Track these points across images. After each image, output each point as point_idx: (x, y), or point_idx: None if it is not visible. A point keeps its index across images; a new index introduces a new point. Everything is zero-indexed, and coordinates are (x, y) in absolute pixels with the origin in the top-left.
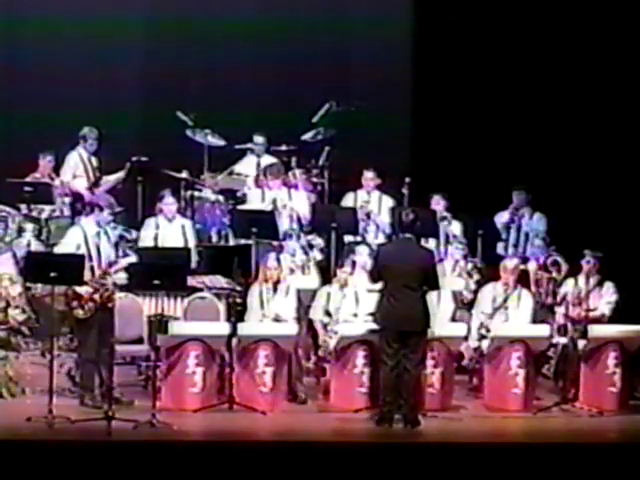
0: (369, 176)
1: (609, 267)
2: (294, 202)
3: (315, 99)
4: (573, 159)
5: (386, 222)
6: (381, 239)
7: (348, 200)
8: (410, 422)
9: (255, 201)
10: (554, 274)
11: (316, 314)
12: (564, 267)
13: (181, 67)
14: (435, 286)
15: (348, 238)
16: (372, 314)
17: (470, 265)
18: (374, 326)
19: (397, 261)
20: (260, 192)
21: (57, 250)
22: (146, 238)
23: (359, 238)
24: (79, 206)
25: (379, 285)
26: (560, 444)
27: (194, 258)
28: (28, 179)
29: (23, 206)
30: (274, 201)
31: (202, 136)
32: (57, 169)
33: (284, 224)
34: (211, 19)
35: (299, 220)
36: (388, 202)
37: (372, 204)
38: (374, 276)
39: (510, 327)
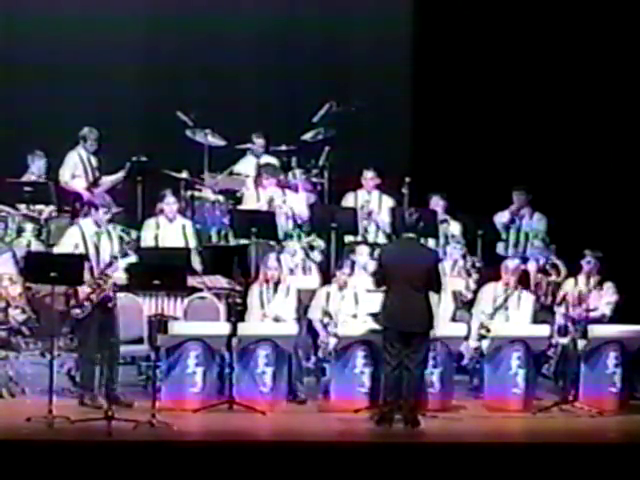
0: (369, 176)
1: (609, 267)
2: (289, 201)
3: (315, 99)
4: (573, 159)
5: (387, 222)
6: (381, 239)
7: (348, 200)
8: (410, 422)
9: (250, 201)
10: (553, 277)
11: (314, 314)
12: (563, 271)
13: (181, 67)
14: (437, 289)
15: (348, 238)
16: (375, 314)
17: (469, 264)
18: (374, 326)
19: (401, 261)
20: (255, 192)
21: (56, 250)
22: (146, 238)
23: (359, 238)
24: (78, 206)
25: (382, 286)
26: (560, 444)
27: (197, 260)
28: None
29: (22, 206)
30: (270, 201)
31: (202, 136)
32: (49, 170)
33: (281, 223)
34: (211, 19)
35: (294, 219)
36: (388, 202)
37: (372, 204)
38: (379, 280)
39: (510, 327)
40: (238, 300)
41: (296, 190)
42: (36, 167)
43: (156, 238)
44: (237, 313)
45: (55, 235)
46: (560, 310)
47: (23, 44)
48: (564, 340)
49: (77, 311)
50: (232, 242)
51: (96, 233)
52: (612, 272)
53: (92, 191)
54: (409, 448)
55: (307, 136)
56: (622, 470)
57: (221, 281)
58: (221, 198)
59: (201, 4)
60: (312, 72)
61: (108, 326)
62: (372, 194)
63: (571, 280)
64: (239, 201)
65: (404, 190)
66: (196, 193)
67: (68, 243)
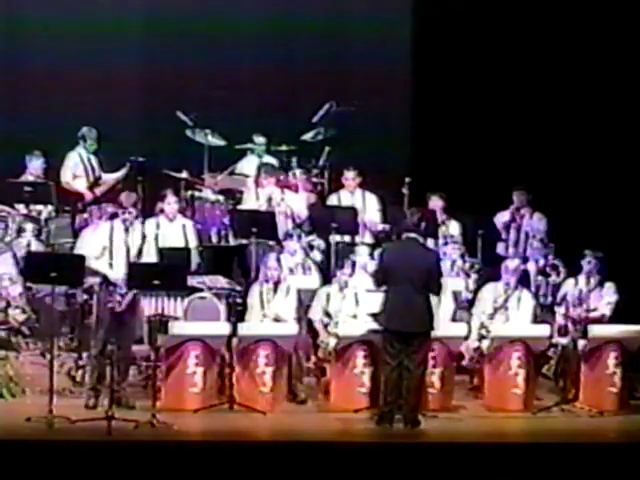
0: (350, 176)
1: (609, 267)
2: (288, 201)
3: (315, 99)
4: (573, 159)
5: (373, 220)
6: (368, 238)
7: (332, 202)
8: (410, 422)
9: (250, 200)
10: (553, 277)
11: (315, 314)
12: (562, 272)
13: (181, 67)
14: (437, 290)
15: (336, 238)
16: (375, 314)
17: (467, 265)
18: (374, 326)
19: (402, 262)
20: (255, 192)
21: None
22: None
23: (346, 238)
24: (79, 206)
25: (382, 286)
26: (560, 444)
27: (195, 260)
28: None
29: (21, 206)
30: (269, 200)
31: (202, 136)
32: (47, 170)
33: (279, 222)
34: (211, 19)
35: (293, 219)
36: (372, 199)
37: (357, 203)
38: (379, 279)
39: (510, 327)
40: (238, 300)
41: (296, 190)
42: (34, 167)
43: (156, 238)
44: (237, 313)
45: (55, 235)
46: (560, 310)
47: (23, 44)
48: (564, 340)
49: (114, 304)
50: (232, 242)
51: (125, 232)
52: (612, 272)
53: (94, 191)
54: (409, 448)
55: (307, 136)
56: (622, 470)
57: (221, 281)
58: (221, 198)
59: (201, 4)
60: (312, 72)
61: (116, 326)
62: (355, 194)
63: (571, 280)
64: (239, 201)
65: (404, 190)
66: (196, 193)
67: (95, 243)
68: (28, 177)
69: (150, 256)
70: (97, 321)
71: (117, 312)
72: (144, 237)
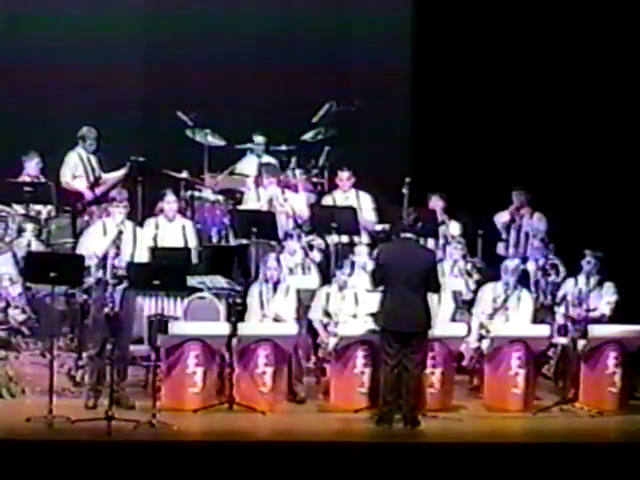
0: (345, 176)
1: (609, 267)
2: (290, 201)
3: (315, 99)
4: (573, 159)
5: (369, 220)
6: (364, 238)
7: (326, 202)
8: (410, 422)
9: (251, 200)
10: (553, 277)
11: (315, 314)
12: (562, 271)
13: (181, 67)
14: (436, 288)
15: (332, 238)
16: (373, 314)
17: (469, 265)
18: (374, 326)
19: (399, 261)
20: (256, 192)
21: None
22: (145, 238)
23: (344, 238)
24: (79, 206)
25: (380, 286)
26: (560, 444)
27: (194, 259)
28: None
29: (20, 206)
30: (270, 200)
31: (202, 136)
32: (44, 170)
33: (280, 222)
34: (211, 19)
35: (294, 219)
36: (366, 199)
37: (351, 203)
38: (376, 279)
39: (510, 327)
40: (238, 300)
41: (296, 190)
42: (31, 167)
43: (155, 238)
44: (237, 313)
45: (55, 235)
46: (560, 310)
47: (23, 44)
48: (564, 340)
49: (108, 305)
50: (232, 242)
51: (119, 231)
52: (612, 272)
53: (94, 190)
54: (409, 448)
55: (307, 136)
56: (622, 470)
57: (221, 281)
58: (221, 198)
59: (201, 4)
60: (312, 72)
61: (113, 326)
62: (349, 194)
63: (571, 280)
64: (239, 201)
65: (404, 190)
66: (196, 193)
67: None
68: (25, 177)
69: (142, 256)
70: (93, 322)
71: (112, 312)
72: (135, 235)
